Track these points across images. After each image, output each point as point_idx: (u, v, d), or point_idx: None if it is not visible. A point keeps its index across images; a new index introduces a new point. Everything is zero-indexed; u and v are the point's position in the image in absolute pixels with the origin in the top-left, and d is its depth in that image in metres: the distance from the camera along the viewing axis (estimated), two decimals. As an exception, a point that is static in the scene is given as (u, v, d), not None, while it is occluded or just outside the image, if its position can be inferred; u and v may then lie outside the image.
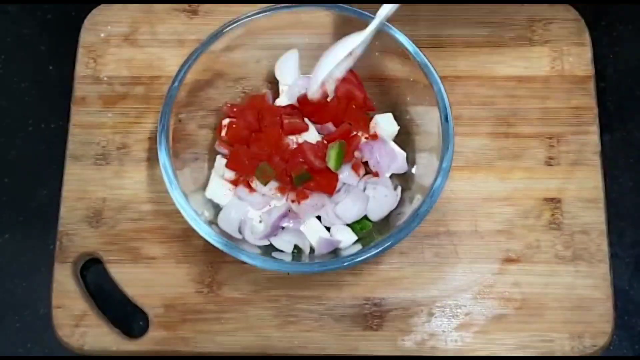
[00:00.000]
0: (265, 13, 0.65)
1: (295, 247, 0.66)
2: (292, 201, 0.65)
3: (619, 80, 0.77)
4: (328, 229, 0.66)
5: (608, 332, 0.66)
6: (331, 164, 0.64)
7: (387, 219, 0.67)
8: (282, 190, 0.65)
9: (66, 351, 0.68)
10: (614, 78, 0.76)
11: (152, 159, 0.71)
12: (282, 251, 0.65)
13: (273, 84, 0.71)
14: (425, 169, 0.65)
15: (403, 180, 0.68)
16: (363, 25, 0.64)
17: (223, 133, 0.68)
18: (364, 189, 0.67)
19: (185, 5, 0.76)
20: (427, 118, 0.65)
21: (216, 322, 0.67)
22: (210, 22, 0.74)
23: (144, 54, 0.74)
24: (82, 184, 0.71)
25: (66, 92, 0.74)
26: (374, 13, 0.64)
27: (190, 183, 0.65)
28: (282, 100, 0.69)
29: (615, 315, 0.66)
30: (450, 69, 0.72)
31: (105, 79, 0.74)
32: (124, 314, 0.69)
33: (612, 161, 0.73)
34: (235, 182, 0.66)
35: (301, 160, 0.64)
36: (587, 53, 0.73)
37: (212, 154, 0.68)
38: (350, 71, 0.69)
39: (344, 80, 0.68)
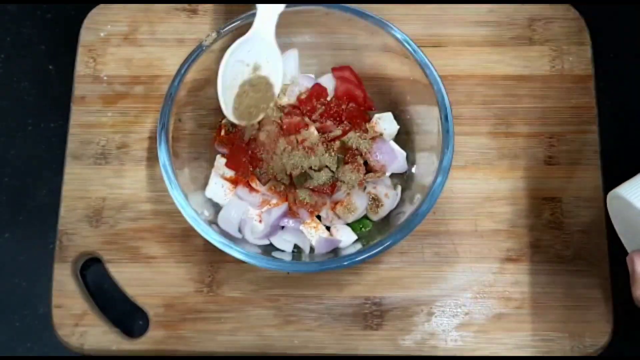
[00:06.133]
0: (265, 13, 0.65)
1: (295, 246, 0.66)
2: (292, 201, 0.65)
3: (618, 79, 0.76)
4: (328, 228, 0.66)
5: (608, 332, 0.66)
6: (331, 164, 0.64)
7: (387, 219, 0.66)
8: (281, 190, 0.65)
9: (66, 351, 0.68)
10: (614, 78, 0.76)
11: (152, 159, 0.71)
12: (282, 251, 0.65)
13: (273, 83, 0.71)
14: (425, 168, 0.65)
15: (403, 179, 0.68)
16: (363, 25, 0.64)
17: (223, 132, 0.68)
18: (364, 189, 0.67)
19: (185, 5, 0.76)
20: (427, 117, 0.65)
21: (216, 322, 0.67)
22: (210, 22, 0.74)
23: (143, 54, 0.74)
24: (82, 183, 0.71)
25: (66, 91, 0.74)
26: (374, 13, 0.64)
27: (190, 183, 0.65)
28: (282, 100, 0.69)
29: (615, 315, 0.66)
30: (450, 68, 0.72)
31: (105, 78, 0.74)
32: (124, 314, 0.69)
33: (612, 161, 0.73)
34: (235, 182, 0.66)
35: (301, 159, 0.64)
36: (587, 52, 0.73)
37: (212, 154, 0.68)
38: (350, 71, 0.69)
39: (344, 79, 0.68)
